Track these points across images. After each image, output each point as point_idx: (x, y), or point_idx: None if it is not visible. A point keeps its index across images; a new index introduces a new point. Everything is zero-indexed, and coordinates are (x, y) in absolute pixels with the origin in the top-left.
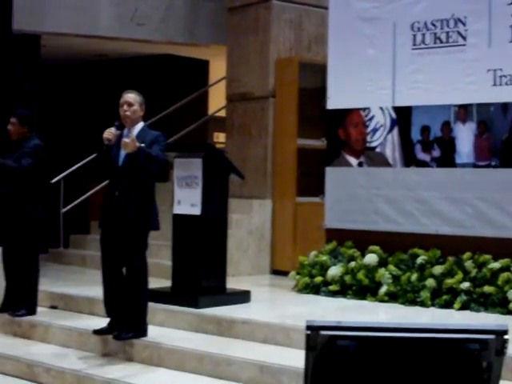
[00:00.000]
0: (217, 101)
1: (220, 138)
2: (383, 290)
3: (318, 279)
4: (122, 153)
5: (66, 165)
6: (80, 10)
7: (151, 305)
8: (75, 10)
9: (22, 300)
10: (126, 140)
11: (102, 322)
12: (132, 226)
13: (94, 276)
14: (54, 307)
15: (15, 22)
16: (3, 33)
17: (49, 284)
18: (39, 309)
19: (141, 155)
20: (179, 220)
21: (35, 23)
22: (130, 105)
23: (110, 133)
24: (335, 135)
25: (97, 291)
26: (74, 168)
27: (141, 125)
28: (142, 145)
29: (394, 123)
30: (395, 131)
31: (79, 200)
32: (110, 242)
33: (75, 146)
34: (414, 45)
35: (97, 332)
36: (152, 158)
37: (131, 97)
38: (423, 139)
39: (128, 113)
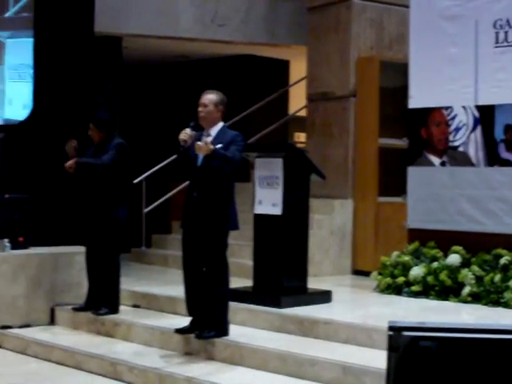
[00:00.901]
0: (297, 101)
1: (301, 137)
2: (466, 290)
3: (400, 280)
4: (201, 153)
5: (148, 165)
6: (161, 11)
7: (233, 304)
8: (156, 11)
9: (105, 299)
10: (199, 143)
11: (184, 321)
12: (211, 226)
13: (176, 275)
14: (136, 306)
15: (97, 25)
16: (86, 35)
17: (131, 283)
18: (122, 308)
19: (215, 157)
20: (260, 220)
21: (117, 25)
22: (204, 106)
23: (185, 134)
24: (417, 134)
25: (179, 290)
26: (156, 168)
27: (220, 125)
28: (219, 145)
29: (476, 122)
30: (478, 130)
31: (161, 200)
32: (191, 242)
33: (157, 146)
34: (497, 43)
35: (179, 331)
36: (227, 159)
37: (207, 97)
38: (507, 138)
39: (202, 114)
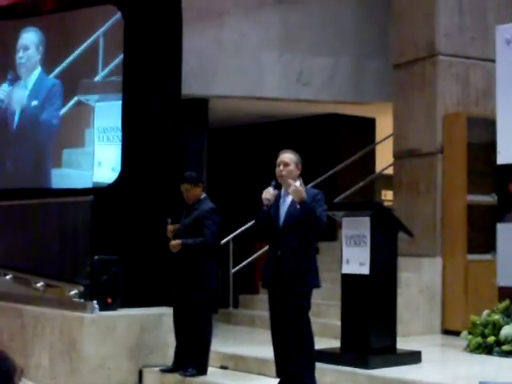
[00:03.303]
0: (384, 158)
1: (388, 195)
2: None
3: (491, 339)
4: (282, 212)
5: (234, 226)
6: (246, 72)
7: (320, 365)
8: (241, 72)
9: (193, 359)
10: (298, 186)
11: (272, 382)
12: (295, 286)
13: (264, 336)
14: (224, 367)
15: (184, 87)
16: (173, 98)
17: (219, 344)
18: (209, 369)
19: (304, 207)
20: (348, 279)
21: (203, 87)
22: (285, 165)
23: (268, 193)
24: (506, 190)
25: (266, 351)
26: (242, 229)
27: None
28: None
29: None
30: None
31: (248, 260)
32: (277, 301)
33: (243, 207)
34: None
35: None
36: (314, 215)
37: (287, 156)
38: None
39: (284, 172)
